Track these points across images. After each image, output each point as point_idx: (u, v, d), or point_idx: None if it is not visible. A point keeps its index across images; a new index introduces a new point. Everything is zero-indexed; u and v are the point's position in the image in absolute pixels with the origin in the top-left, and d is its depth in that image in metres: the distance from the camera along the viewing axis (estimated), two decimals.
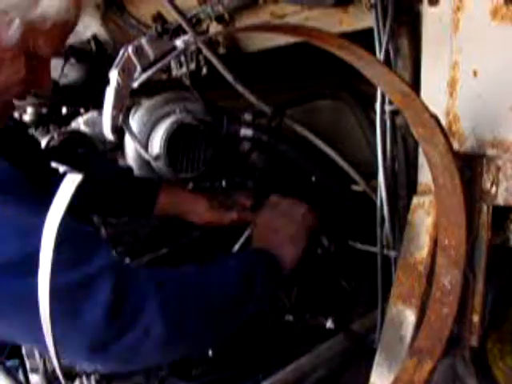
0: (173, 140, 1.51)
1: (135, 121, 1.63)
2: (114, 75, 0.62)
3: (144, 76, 0.63)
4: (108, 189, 1.49)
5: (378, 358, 1.07)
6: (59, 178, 0.62)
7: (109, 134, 0.64)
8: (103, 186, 1.48)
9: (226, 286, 1.11)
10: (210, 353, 1.60)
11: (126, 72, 0.62)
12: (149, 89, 1.75)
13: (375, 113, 1.13)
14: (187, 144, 1.55)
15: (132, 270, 1.04)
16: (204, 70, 1.53)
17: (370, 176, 1.39)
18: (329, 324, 1.64)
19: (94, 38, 1.88)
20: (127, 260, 1.47)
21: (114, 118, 0.63)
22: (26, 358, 1.58)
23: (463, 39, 0.97)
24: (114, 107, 0.62)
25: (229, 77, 1.45)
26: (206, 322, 1.08)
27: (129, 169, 1.62)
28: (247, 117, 1.57)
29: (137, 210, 1.52)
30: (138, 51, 0.61)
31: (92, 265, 0.93)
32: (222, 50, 1.54)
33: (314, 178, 1.69)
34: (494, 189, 0.94)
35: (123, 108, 0.63)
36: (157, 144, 1.53)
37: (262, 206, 1.50)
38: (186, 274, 1.10)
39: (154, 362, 1.11)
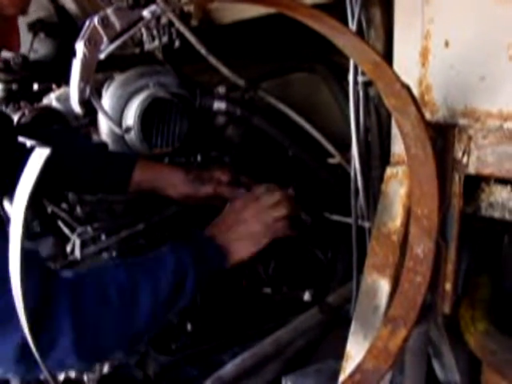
0: (146, 114, 1.50)
1: (108, 96, 1.61)
2: (80, 47, 0.61)
3: (111, 47, 0.62)
4: (82, 165, 1.47)
5: (353, 327, 1.08)
6: (28, 153, 0.62)
7: (77, 107, 0.63)
8: (77, 162, 1.46)
9: (155, 296, 1.09)
10: (189, 327, 1.61)
11: (93, 43, 0.60)
12: (122, 63, 1.73)
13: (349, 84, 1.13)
14: (161, 118, 1.53)
15: (50, 295, 0.98)
16: (176, 43, 1.51)
17: (346, 148, 1.39)
18: (306, 297, 1.66)
19: (60, 9, 1.83)
20: (103, 237, 1.46)
21: (82, 91, 0.62)
22: None
23: (435, 9, 0.97)
24: (81, 79, 0.61)
25: (201, 49, 1.44)
26: (125, 335, 1.08)
27: (103, 144, 1.60)
28: (220, 90, 1.56)
29: (112, 186, 1.50)
30: (104, 22, 0.60)
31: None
32: (194, 23, 1.52)
33: (289, 152, 1.70)
34: (465, 158, 0.95)
35: (91, 80, 0.62)
36: (131, 118, 1.51)
37: (238, 182, 1.50)
38: (110, 282, 1.07)
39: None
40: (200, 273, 1.15)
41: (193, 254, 1.15)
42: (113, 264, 1.28)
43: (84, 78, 0.61)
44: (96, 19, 0.60)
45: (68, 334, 0.97)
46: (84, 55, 0.60)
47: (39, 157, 0.55)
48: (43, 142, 0.61)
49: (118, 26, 0.60)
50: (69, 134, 1.66)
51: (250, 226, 1.26)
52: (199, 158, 1.68)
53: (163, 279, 1.11)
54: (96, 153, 1.52)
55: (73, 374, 1.46)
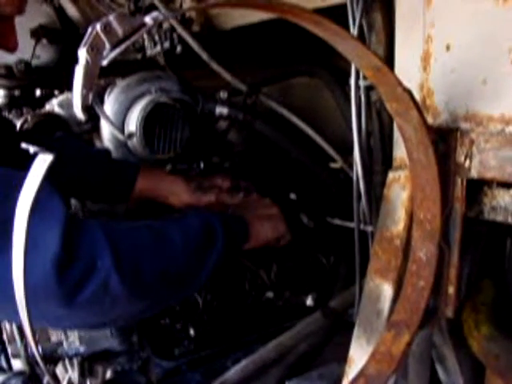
0: (149, 120, 1.50)
1: (110, 101, 1.61)
2: (82, 54, 0.61)
3: (113, 53, 0.62)
4: (85, 172, 1.47)
5: (356, 332, 1.08)
6: (31, 159, 0.62)
7: (79, 114, 0.64)
8: (80, 169, 1.46)
9: (185, 236, 1.11)
10: (192, 332, 1.61)
11: (95, 50, 0.61)
12: (124, 69, 1.73)
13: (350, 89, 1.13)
14: (163, 124, 1.53)
15: (82, 223, 1.00)
16: (178, 49, 1.52)
17: (348, 152, 1.39)
18: (309, 301, 1.66)
19: (62, 15, 1.84)
20: None
21: (84, 98, 0.62)
22: (7, 344, 1.57)
23: (436, 13, 0.97)
24: (84, 86, 0.62)
25: (203, 55, 1.44)
26: (164, 273, 1.07)
27: (107, 151, 1.60)
28: (222, 95, 1.56)
29: (115, 194, 1.50)
30: (107, 28, 0.60)
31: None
32: (196, 28, 1.53)
33: (291, 156, 1.70)
34: (467, 162, 0.95)
35: (93, 87, 0.63)
36: (133, 124, 1.52)
37: (239, 188, 1.50)
38: (142, 225, 1.10)
39: (120, 316, 1.10)
40: (228, 236, 1.17)
41: (221, 219, 1.19)
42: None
43: (86, 85, 0.61)
44: (98, 26, 0.60)
45: (106, 255, 0.96)
46: (86, 62, 0.61)
47: (42, 163, 0.55)
48: (46, 149, 0.61)
49: (120, 32, 0.60)
50: (72, 141, 1.66)
51: (262, 211, 1.34)
52: (202, 164, 1.68)
53: (193, 229, 1.13)
54: (99, 160, 1.52)
55: (75, 376, 1.46)
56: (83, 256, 0.94)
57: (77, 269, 0.93)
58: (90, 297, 0.94)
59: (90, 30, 0.61)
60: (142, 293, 1.04)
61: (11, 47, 1.16)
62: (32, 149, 0.60)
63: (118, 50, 0.62)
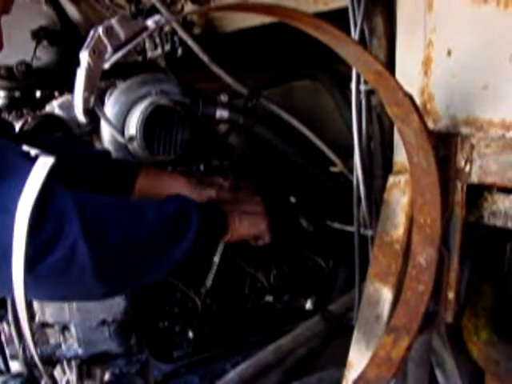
0: (149, 122, 1.50)
1: (111, 103, 1.61)
2: (84, 56, 0.61)
3: (115, 56, 0.62)
4: (84, 172, 1.47)
5: (355, 336, 1.08)
6: (31, 161, 0.62)
7: (81, 116, 0.64)
8: (80, 169, 1.45)
9: (159, 215, 1.11)
10: (191, 335, 1.61)
11: (97, 53, 0.61)
12: (124, 71, 1.73)
13: (351, 93, 1.13)
14: (164, 126, 1.53)
15: (53, 187, 0.96)
16: (179, 51, 1.52)
17: (348, 156, 1.39)
18: (308, 305, 1.66)
19: (63, 17, 1.84)
20: None
21: (86, 100, 0.62)
22: (5, 345, 1.57)
23: (437, 18, 0.97)
24: (86, 89, 0.62)
25: (204, 58, 1.44)
26: (132, 245, 1.06)
27: (106, 152, 1.60)
28: (223, 98, 1.56)
29: (115, 193, 1.50)
30: (109, 32, 0.60)
31: (7, 180, 0.86)
32: (197, 31, 1.53)
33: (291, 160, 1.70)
34: (468, 167, 0.95)
35: (95, 89, 0.62)
36: (133, 126, 1.52)
37: (239, 187, 1.50)
38: (116, 198, 1.11)
39: (86, 290, 1.07)
40: (204, 224, 1.16)
41: (199, 207, 1.18)
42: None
43: (88, 88, 0.61)
44: (100, 29, 0.60)
45: (74, 220, 0.95)
46: (88, 65, 0.61)
47: (43, 165, 0.55)
48: (46, 151, 0.61)
49: (122, 35, 0.60)
50: (71, 142, 1.66)
51: (252, 207, 1.34)
52: (202, 167, 1.68)
53: (168, 208, 1.13)
54: (98, 160, 1.52)
55: (73, 378, 1.46)
56: (52, 219, 0.93)
57: (45, 232, 0.91)
58: (56, 263, 0.93)
59: (92, 33, 0.61)
60: (108, 263, 1.01)
61: None
62: (33, 151, 0.60)
63: (119, 53, 0.62)
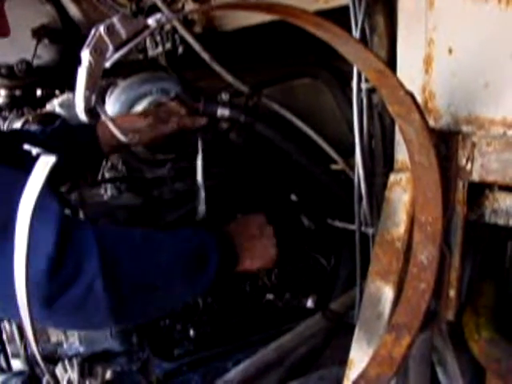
0: None
1: (111, 102, 1.61)
2: (85, 55, 0.61)
3: (116, 55, 0.62)
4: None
5: (357, 334, 1.08)
6: (32, 160, 0.62)
7: (82, 115, 0.64)
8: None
9: (177, 257, 1.10)
10: (192, 333, 1.61)
11: (98, 52, 0.61)
12: (125, 69, 1.73)
13: (352, 91, 1.13)
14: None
15: (75, 225, 1.00)
16: (180, 50, 1.52)
17: (349, 154, 1.39)
18: (309, 303, 1.66)
19: (64, 15, 1.84)
20: None
21: (87, 99, 0.62)
22: (6, 344, 1.57)
23: (438, 17, 0.97)
24: (87, 88, 0.62)
25: (205, 56, 1.44)
26: (148, 287, 1.06)
27: (61, 124, 1.60)
28: (224, 96, 1.56)
29: (85, 153, 1.50)
30: (110, 30, 0.60)
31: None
32: (198, 29, 1.53)
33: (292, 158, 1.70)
34: (469, 165, 0.95)
35: (96, 88, 0.62)
36: None
37: (197, 111, 1.50)
38: (136, 235, 1.09)
39: (101, 323, 1.09)
40: (222, 264, 1.15)
41: (217, 244, 1.16)
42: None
43: (89, 87, 0.61)
44: (102, 27, 0.60)
45: (94, 259, 0.96)
46: (90, 63, 0.61)
47: (44, 165, 0.55)
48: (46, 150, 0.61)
49: (123, 34, 0.60)
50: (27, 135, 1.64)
51: (263, 243, 1.29)
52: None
53: (186, 249, 1.12)
54: (58, 136, 1.52)
55: (75, 376, 1.46)
56: (72, 256, 0.94)
57: (65, 269, 0.93)
58: (72, 300, 0.95)
59: (93, 31, 0.61)
60: (123, 302, 1.03)
61: (4, 32, 1.16)
62: (34, 150, 0.60)
63: (121, 52, 0.62)
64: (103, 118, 0.72)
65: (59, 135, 1.51)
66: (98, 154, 1.50)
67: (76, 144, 1.47)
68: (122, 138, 0.80)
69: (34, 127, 1.77)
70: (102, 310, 1.00)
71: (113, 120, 1.03)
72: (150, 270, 1.06)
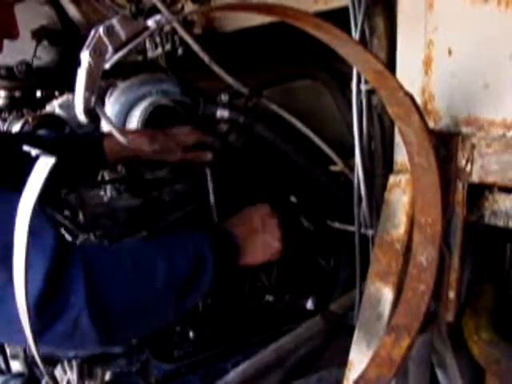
0: (149, 122, 1.50)
1: (111, 103, 1.61)
2: (85, 56, 0.61)
3: (116, 57, 0.62)
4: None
5: (356, 336, 1.08)
6: (32, 161, 0.62)
7: (81, 117, 0.64)
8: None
9: (170, 277, 1.08)
10: (191, 334, 1.61)
11: (98, 53, 0.61)
12: (125, 71, 1.73)
13: (352, 92, 1.13)
14: (164, 126, 1.53)
15: (67, 257, 0.98)
16: (180, 51, 1.52)
17: (349, 156, 1.39)
18: (309, 305, 1.66)
19: (64, 16, 1.84)
20: (105, 243, 1.46)
21: (87, 100, 0.62)
22: (5, 345, 1.57)
23: (438, 18, 0.97)
24: (86, 89, 0.62)
25: (205, 57, 1.44)
26: (139, 311, 1.06)
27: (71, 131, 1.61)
28: (223, 98, 1.56)
29: (89, 162, 1.51)
30: (110, 31, 0.60)
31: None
32: (197, 31, 1.53)
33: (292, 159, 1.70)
34: (468, 166, 0.95)
35: (96, 90, 0.62)
36: (133, 126, 1.52)
37: (205, 145, 1.50)
38: (123, 259, 1.07)
39: (93, 348, 1.09)
40: (218, 261, 1.14)
41: (211, 243, 1.15)
42: (131, 240, 1.27)
43: (89, 88, 0.61)
44: (101, 29, 0.60)
45: (81, 292, 0.95)
46: (89, 65, 0.61)
47: (44, 166, 0.55)
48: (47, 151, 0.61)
49: (123, 35, 0.60)
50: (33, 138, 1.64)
51: (266, 236, 1.28)
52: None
53: (181, 259, 1.10)
54: (64, 142, 1.52)
55: (74, 378, 1.45)
56: (60, 294, 0.94)
57: (52, 306, 0.93)
58: (60, 332, 0.95)
59: (92, 32, 0.61)
60: (115, 329, 1.03)
61: (14, 35, 1.18)
62: (33, 151, 0.60)
63: (120, 53, 0.62)
64: (103, 118, 0.72)
65: (65, 142, 1.52)
66: (103, 163, 1.51)
67: (81, 152, 1.48)
68: (122, 140, 0.80)
69: (41, 131, 1.77)
70: (90, 340, 0.99)
71: (112, 122, 1.02)
72: (143, 295, 1.05)
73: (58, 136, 1.59)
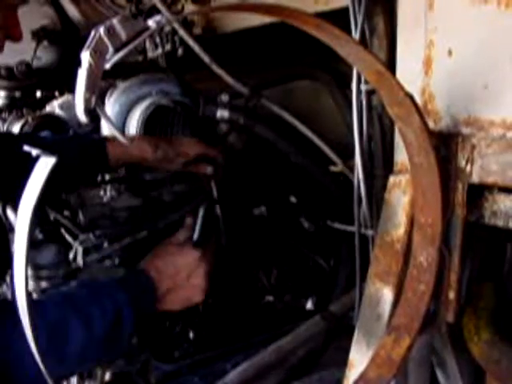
0: (149, 122, 1.50)
1: (111, 103, 1.61)
2: (85, 57, 0.61)
3: (116, 57, 0.62)
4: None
5: (356, 336, 1.08)
6: (32, 161, 0.62)
7: (82, 117, 0.64)
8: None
9: (87, 336, 1.06)
10: (191, 335, 1.61)
11: (98, 53, 0.61)
12: (125, 71, 1.73)
13: (352, 93, 1.13)
14: (164, 126, 1.53)
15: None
16: (180, 51, 1.52)
17: (349, 156, 1.39)
18: (309, 305, 1.66)
19: (64, 17, 1.85)
20: (106, 244, 1.46)
21: (87, 100, 0.62)
22: None
23: (438, 18, 0.97)
24: (87, 89, 0.62)
25: (205, 58, 1.44)
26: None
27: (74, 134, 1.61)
28: (224, 98, 1.56)
29: (91, 166, 1.50)
30: (110, 32, 0.60)
31: None
32: (197, 31, 1.53)
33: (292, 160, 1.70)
34: (468, 167, 0.95)
35: (96, 90, 0.62)
36: (133, 126, 1.52)
37: (208, 159, 1.50)
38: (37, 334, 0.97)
39: None
40: (136, 318, 1.15)
41: (129, 295, 1.15)
42: (43, 299, 1.23)
43: (89, 88, 0.61)
44: (102, 29, 0.60)
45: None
46: (90, 65, 0.61)
47: (45, 166, 0.55)
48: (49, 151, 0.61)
49: (123, 35, 0.60)
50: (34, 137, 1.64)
51: (188, 292, 1.29)
52: None
53: (98, 318, 1.09)
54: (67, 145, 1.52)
55: (74, 378, 1.45)
56: None
57: None
58: None
59: (93, 33, 0.61)
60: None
61: (17, 37, 1.19)
62: (34, 152, 0.60)
63: (121, 54, 0.62)
64: (103, 119, 0.72)
65: (69, 144, 1.51)
66: (105, 168, 1.50)
67: (84, 156, 1.47)
68: (122, 140, 0.80)
69: (44, 133, 1.77)
70: None
71: (112, 122, 1.02)
72: (61, 359, 1.03)
73: (61, 138, 1.58)
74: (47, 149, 1.22)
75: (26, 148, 0.63)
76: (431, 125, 0.99)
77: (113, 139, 1.48)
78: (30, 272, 1.30)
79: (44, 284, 1.32)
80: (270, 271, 1.67)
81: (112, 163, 1.49)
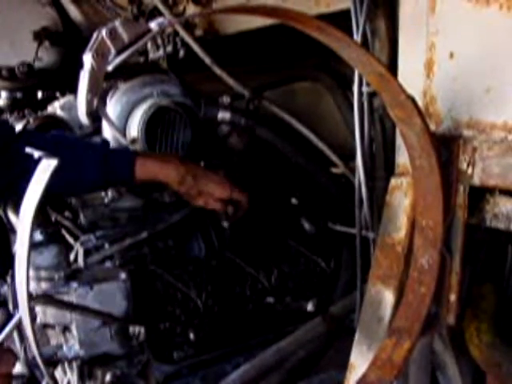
0: (151, 123, 1.50)
1: (112, 104, 1.61)
2: (87, 59, 0.61)
3: (119, 59, 0.62)
4: (82, 174, 1.44)
5: (357, 338, 1.08)
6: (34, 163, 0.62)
7: (84, 118, 0.64)
8: (77, 171, 1.43)
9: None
10: (192, 336, 1.61)
11: (101, 55, 0.61)
12: (126, 72, 1.73)
13: (353, 95, 1.14)
14: (165, 127, 1.53)
15: None
16: (181, 53, 1.52)
17: (350, 158, 1.39)
18: (309, 307, 1.66)
19: (65, 18, 1.85)
20: (106, 245, 1.46)
21: (89, 102, 0.62)
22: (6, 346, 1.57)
23: (440, 21, 0.97)
24: (89, 91, 0.62)
25: (206, 59, 1.44)
26: None
27: (103, 144, 1.59)
28: (225, 100, 1.56)
29: (118, 180, 1.49)
30: (112, 34, 0.60)
31: None
32: (199, 33, 1.53)
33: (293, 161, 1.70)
34: (470, 169, 0.95)
35: (98, 91, 0.63)
36: (134, 127, 1.51)
37: (230, 200, 1.49)
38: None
39: None
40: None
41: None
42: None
43: (92, 90, 0.62)
44: (104, 31, 0.60)
45: None
46: (92, 67, 0.61)
47: (47, 167, 0.55)
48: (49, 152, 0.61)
49: (125, 38, 0.60)
50: (66, 140, 1.63)
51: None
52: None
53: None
54: (94, 160, 1.50)
55: (74, 379, 1.45)
56: None
57: None
58: None
59: (95, 35, 0.61)
60: None
61: None
62: (36, 153, 0.60)
63: (123, 56, 0.62)
64: (105, 120, 0.72)
65: (100, 152, 1.48)
66: (129, 182, 1.48)
67: (113, 168, 1.44)
68: (123, 141, 0.80)
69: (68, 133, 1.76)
70: None
71: (114, 123, 1.03)
72: None
73: (94, 145, 1.55)
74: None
75: (28, 149, 0.63)
76: (432, 127, 0.99)
77: (144, 155, 1.46)
78: (31, 273, 1.30)
79: (45, 285, 1.32)
80: (271, 273, 1.67)
81: (137, 179, 1.45)
